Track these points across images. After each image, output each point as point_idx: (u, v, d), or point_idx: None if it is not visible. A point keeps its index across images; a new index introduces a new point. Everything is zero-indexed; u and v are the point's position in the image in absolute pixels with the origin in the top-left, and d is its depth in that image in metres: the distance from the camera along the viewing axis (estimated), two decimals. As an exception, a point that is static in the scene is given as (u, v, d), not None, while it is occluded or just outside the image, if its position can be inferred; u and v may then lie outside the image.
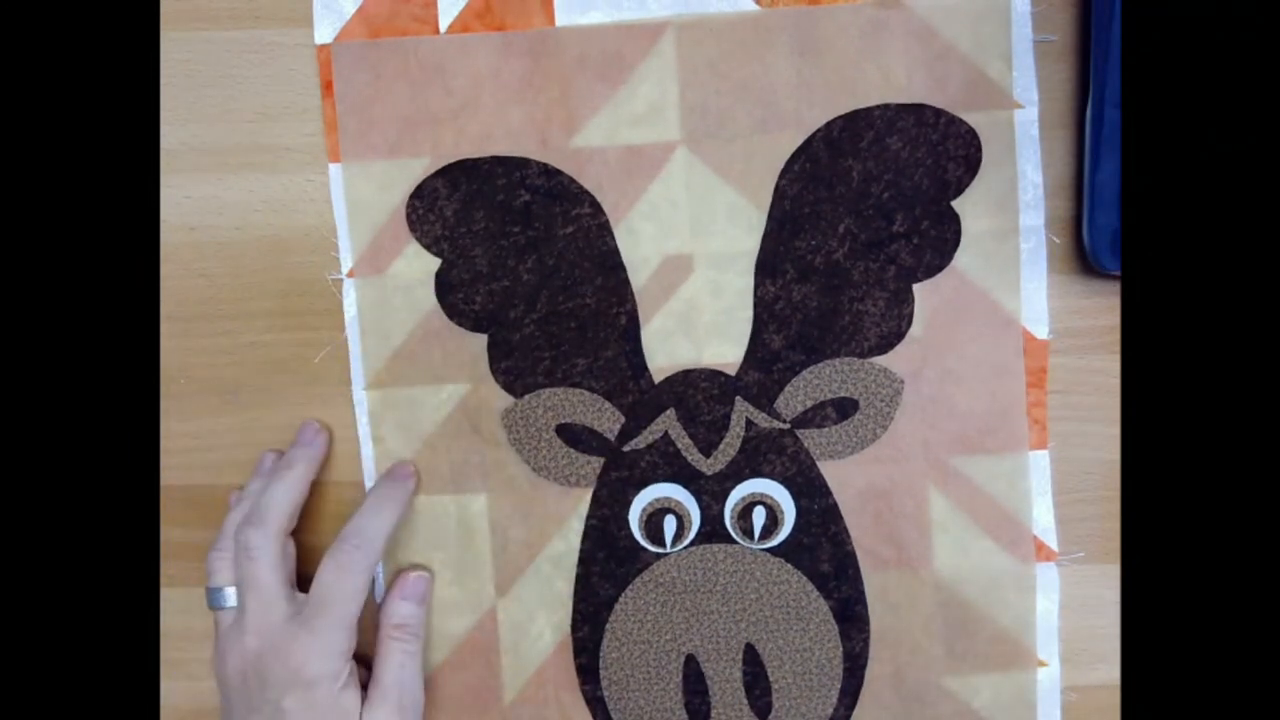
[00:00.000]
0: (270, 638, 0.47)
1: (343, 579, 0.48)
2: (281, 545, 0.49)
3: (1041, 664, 0.51)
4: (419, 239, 0.51)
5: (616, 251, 0.50)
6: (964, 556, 0.51)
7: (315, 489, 0.52)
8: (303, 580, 0.49)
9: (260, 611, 0.47)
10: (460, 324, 0.51)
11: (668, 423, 0.51)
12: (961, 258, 0.50)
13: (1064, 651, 0.51)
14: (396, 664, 0.49)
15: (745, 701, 0.52)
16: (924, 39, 0.49)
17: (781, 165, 0.50)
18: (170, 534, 0.53)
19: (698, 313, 0.50)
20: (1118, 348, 0.50)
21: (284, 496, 0.49)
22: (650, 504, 0.51)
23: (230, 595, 0.49)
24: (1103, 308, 0.50)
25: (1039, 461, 0.50)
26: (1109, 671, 0.51)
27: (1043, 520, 0.50)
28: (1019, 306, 0.50)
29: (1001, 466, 0.50)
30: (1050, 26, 0.49)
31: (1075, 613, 0.51)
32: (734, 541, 0.51)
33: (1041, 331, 0.50)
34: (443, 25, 0.50)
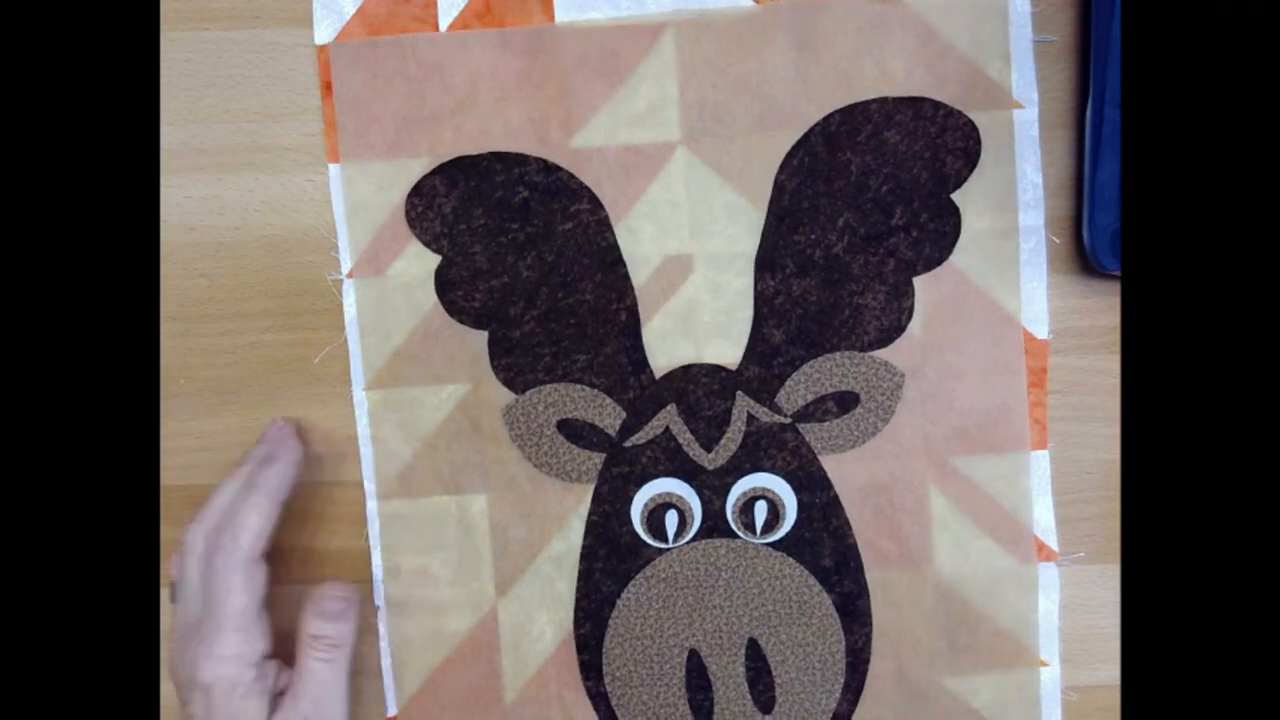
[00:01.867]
0: (181, 638, 0.47)
1: (215, 580, 0.47)
2: (245, 565, 0.47)
3: (1042, 664, 0.51)
4: (418, 236, 0.51)
5: (616, 247, 0.50)
6: (964, 556, 0.51)
7: (314, 490, 0.52)
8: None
9: (182, 612, 0.47)
10: (460, 321, 0.51)
11: (669, 418, 0.51)
12: (961, 257, 0.50)
13: (1064, 651, 0.51)
14: (309, 671, 0.48)
15: (749, 696, 0.52)
16: (923, 36, 0.49)
17: (780, 162, 0.50)
18: (170, 534, 0.53)
19: (698, 313, 0.50)
20: (1118, 348, 0.50)
21: (253, 521, 0.48)
22: (652, 499, 0.51)
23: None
24: (1103, 308, 0.50)
25: (1039, 461, 0.50)
26: (1109, 671, 0.52)
27: (1043, 520, 0.51)
28: (1019, 306, 0.50)
29: (1001, 466, 0.50)
30: (1050, 26, 0.49)
31: (1075, 613, 0.51)
32: (736, 536, 0.51)
33: (1041, 331, 0.50)
34: (442, 25, 0.50)
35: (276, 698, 0.48)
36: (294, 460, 0.50)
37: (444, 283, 0.51)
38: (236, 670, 0.46)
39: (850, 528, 0.51)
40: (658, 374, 0.51)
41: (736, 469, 0.51)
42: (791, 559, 0.51)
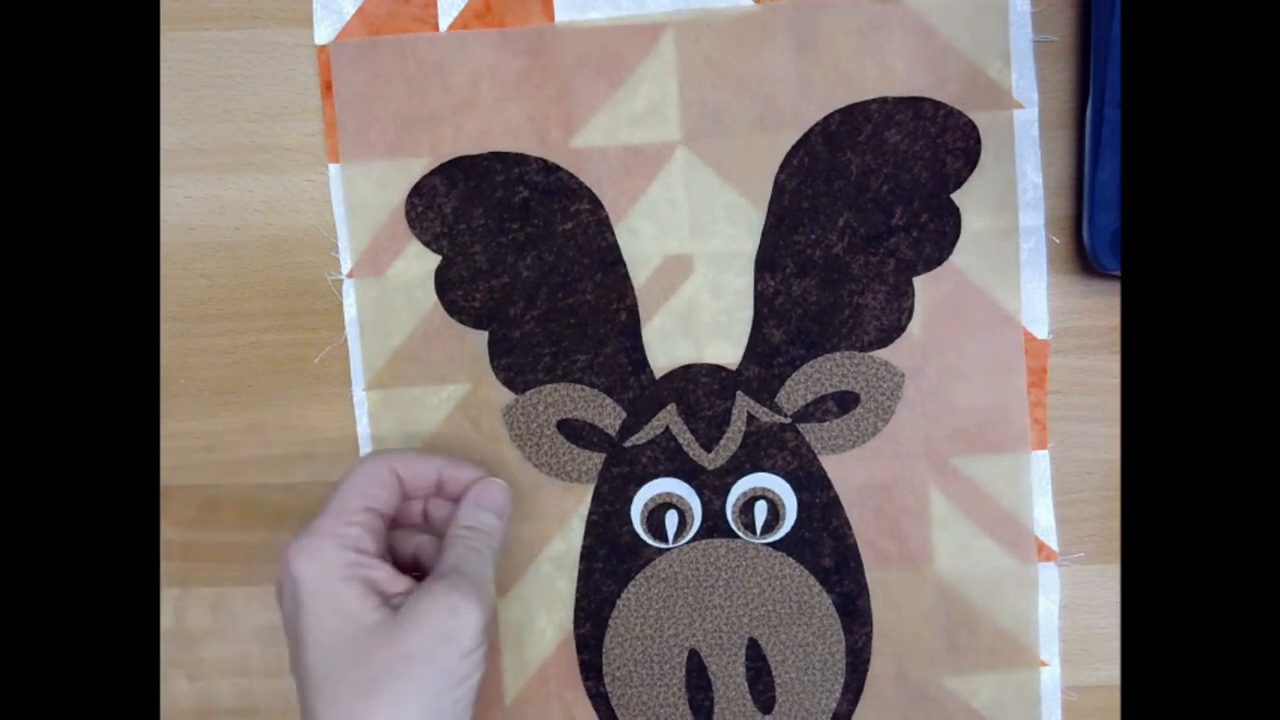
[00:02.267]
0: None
1: (353, 468, 0.45)
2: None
3: (1042, 664, 0.51)
4: (418, 236, 0.51)
5: (616, 247, 0.50)
6: (964, 556, 0.51)
7: (314, 490, 0.52)
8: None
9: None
10: (460, 321, 0.51)
11: (669, 418, 0.51)
12: (961, 257, 0.50)
13: (1064, 651, 0.51)
14: (461, 553, 0.44)
15: (749, 696, 0.52)
16: (923, 36, 0.49)
17: (780, 162, 0.50)
18: (170, 534, 0.53)
19: (698, 313, 0.50)
20: (1118, 348, 0.50)
21: (417, 454, 0.47)
22: (652, 499, 0.51)
23: None
24: (1103, 308, 0.50)
25: (1039, 461, 0.50)
26: (1109, 671, 0.52)
27: (1043, 520, 0.51)
28: (1019, 306, 0.50)
29: (1001, 466, 0.50)
30: (1050, 26, 0.49)
31: (1075, 613, 0.51)
32: (736, 536, 0.51)
33: (1041, 331, 0.50)
34: (442, 25, 0.50)
35: (394, 598, 0.42)
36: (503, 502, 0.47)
37: (444, 283, 0.51)
38: (329, 552, 0.42)
39: (850, 528, 0.51)
40: (658, 374, 0.51)
41: (736, 469, 0.51)
42: (791, 559, 0.51)
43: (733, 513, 0.51)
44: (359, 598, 0.41)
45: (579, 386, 0.51)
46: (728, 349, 0.51)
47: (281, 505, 0.53)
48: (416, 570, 0.47)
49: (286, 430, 0.52)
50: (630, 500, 0.51)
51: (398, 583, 0.43)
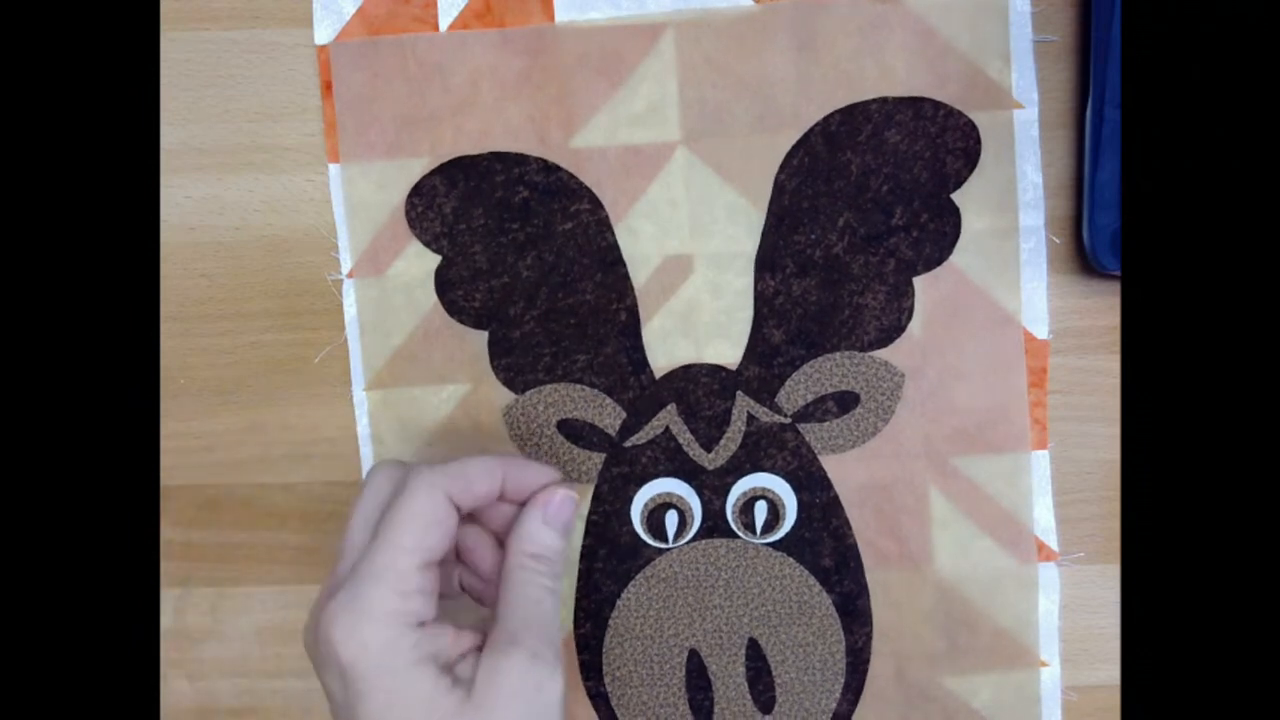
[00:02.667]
0: (322, 597, 0.38)
1: (390, 513, 0.38)
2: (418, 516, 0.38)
3: (1042, 664, 0.51)
4: (418, 236, 0.51)
5: (616, 247, 0.50)
6: (964, 556, 0.51)
7: (314, 490, 0.52)
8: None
9: (339, 558, 0.39)
10: (460, 321, 0.51)
11: (669, 418, 0.51)
12: (961, 256, 0.50)
13: (1064, 651, 0.51)
14: (531, 599, 0.39)
15: (749, 696, 0.52)
16: (923, 36, 0.49)
17: (780, 162, 0.50)
18: (170, 534, 0.53)
19: (698, 313, 0.50)
20: (1118, 348, 0.50)
21: (475, 465, 0.41)
22: (652, 499, 0.51)
23: None
24: (1103, 308, 0.50)
25: (1039, 461, 0.50)
26: (1109, 671, 0.52)
27: (1043, 520, 0.50)
28: (1019, 306, 0.50)
29: (1001, 466, 0.50)
30: (1050, 26, 0.49)
31: (1075, 613, 0.51)
32: (736, 536, 0.51)
33: (1041, 331, 0.50)
34: (442, 25, 0.50)
35: (458, 664, 0.39)
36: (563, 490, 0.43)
37: (444, 283, 0.51)
38: (388, 634, 0.37)
39: (850, 528, 0.51)
40: (658, 374, 0.51)
41: (736, 469, 0.51)
42: (791, 559, 0.51)
43: (733, 513, 0.51)
44: (431, 680, 0.37)
45: (579, 386, 0.51)
46: (728, 349, 0.51)
47: (281, 505, 0.53)
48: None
49: (286, 430, 0.52)
50: (630, 500, 0.51)
51: (460, 642, 0.39)
